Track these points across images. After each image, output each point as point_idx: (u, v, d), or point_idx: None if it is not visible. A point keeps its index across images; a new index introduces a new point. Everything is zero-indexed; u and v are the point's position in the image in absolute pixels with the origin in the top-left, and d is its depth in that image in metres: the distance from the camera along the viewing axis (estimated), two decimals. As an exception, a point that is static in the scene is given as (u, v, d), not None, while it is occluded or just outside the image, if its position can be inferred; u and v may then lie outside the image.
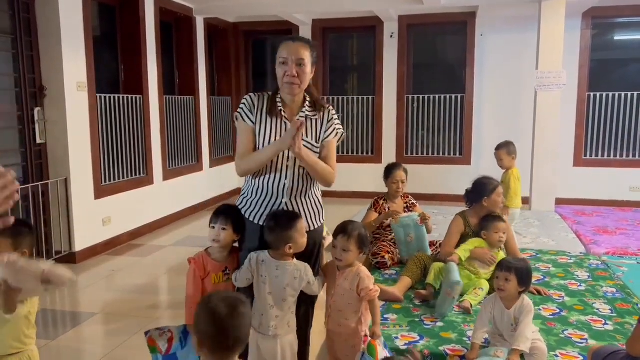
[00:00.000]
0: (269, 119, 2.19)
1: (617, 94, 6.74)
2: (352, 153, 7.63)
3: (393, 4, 6.24)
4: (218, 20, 7.09)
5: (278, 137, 2.16)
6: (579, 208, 6.10)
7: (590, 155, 6.90)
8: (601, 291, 3.17)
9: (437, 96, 7.26)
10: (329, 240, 3.50)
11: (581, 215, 5.62)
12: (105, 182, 5.02)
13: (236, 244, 2.35)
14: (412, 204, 4.00)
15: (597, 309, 2.89)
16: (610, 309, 2.88)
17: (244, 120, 2.21)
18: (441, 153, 7.34)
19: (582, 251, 4.21)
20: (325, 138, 2.24)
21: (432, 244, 3.81)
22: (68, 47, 4.43)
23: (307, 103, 2.22)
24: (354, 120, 7.62)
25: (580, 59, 6.70)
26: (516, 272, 2.28)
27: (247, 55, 7.88)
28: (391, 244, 3.94)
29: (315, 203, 2.30)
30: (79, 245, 4.63)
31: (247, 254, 2.22)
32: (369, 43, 7.53)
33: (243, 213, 2.28)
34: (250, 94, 2.25)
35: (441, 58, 7.74)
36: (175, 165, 6.27)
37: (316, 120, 2.23)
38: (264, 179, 2.21)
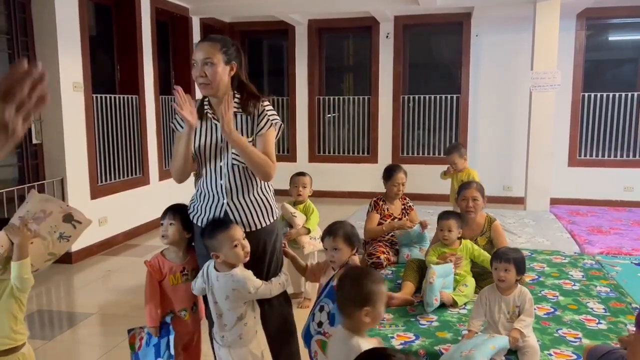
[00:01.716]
0: (199, 123, 2.16)
1: (611, 94, 6.79)
2: (348, 153, 7.65)
3: (389, 4, 6.26)
4: (214, 20, 7.09)
5: (209, 140, 2.15)
6: (573, 208, 6.13)
7: (585, 155, 6.95)
8: (595, 290, 3.19)
9: (432, 96, 7.29)
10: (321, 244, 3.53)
11: (576, 215, 5.65)
12: (101, 182, 5.02)
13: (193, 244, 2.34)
14: (410, 206, 4.02)
15: (591, 308, 2.91)
16: (604, 308, 2.91)
17: (176, 129, 2.22)
18: (437, 153, 7.36)
19: (576, 251, 4.23)
20: (259, 131, 2.15)
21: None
22: (64, 47, 4.43)
23: (236, 100, 2.17)
24: (349, 121, 7.64)
25: (574, 59, 6.74)
26: (515, 262, 2.36)
27: (243, 55, 7.87)
28: (387, 244, 3.95)
29: (261, 201, 2.22)
30: (75, 245, 4.61)
31: (201, 260, 2.22)
32: (364, 43, 7.54)
33: (192, 219, 2.26)
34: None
35: (437, 58, 7.77)
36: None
37: (246, 115, 2.17)
38: (203, 182, 2.21)
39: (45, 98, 0.84)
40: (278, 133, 2.22)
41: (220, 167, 2.15)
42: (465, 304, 2.95)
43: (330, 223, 2.32)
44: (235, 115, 2.15)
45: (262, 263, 2.22)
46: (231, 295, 2.09)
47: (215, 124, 2.17)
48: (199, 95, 7.09)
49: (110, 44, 5.46)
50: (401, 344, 2.49)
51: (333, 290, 2.16)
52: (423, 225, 3.69)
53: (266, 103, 2.20)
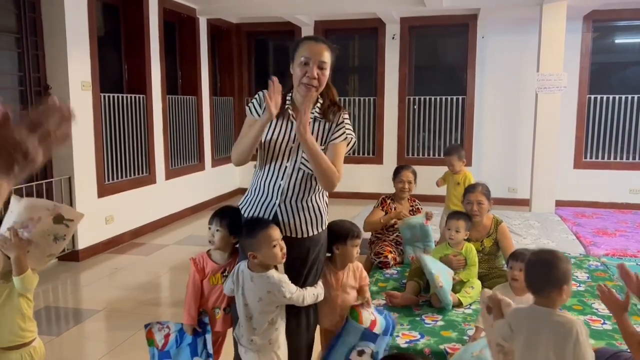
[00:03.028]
0: (275, 118, 2.07)
1: (617, 96, 6.78)
2: (353, 154, 7.60)
3: (395, 5, 6.27)
4: (221, 20, 7.12)
5: (282, 138, 2.10)
6: (578, 210, 6.12)
7: (591, 158, 6.94)
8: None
9: (438, 98, 7.30)
10: None
11: (581, 217, 5.65)
12: (108, 180, 5.06)
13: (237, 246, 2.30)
14: (418, 208, 4.02)
15: (596, 309, 2.92)
16: (609, 309, 2.91)
17: (251, 113, 2.14)
18: (442, 154, 7.36)
19: (581, 252, 4.24)
20: (332, 140, 2.10)
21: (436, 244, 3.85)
22: (73, 46, 4.46)
23: (318, 105, 2.13)
24: (355, 122, 7.65)
25: (581, 61, 6.74)
26: None
27: (250, 55, 7.92)
28: (393, 243, 3.96)
29: (313, 209, 2.14)
30: (82, 243, 4.66)
31: (242, 259, 2.15)
32: (370, 44, 7.56)
33: (243, 213, 2.19)
34: (264, 90, 2.12)
35: (442, 60, 7.78)
36: (178, 165, 6.30)
37: (325, 122, 2.12)
38: (262, 177, 2.14)
39: (69, 135, 0.89)
40: (350, 149, 2.16)
41: (286, 167, 2.09)
42: (470, 304, 2.96)
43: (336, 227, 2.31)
44: (314, 120, 2.10)
45: (302, 270, 2.13)
46: (265, 298, 2.03)
47: (292, 122, 2.10)
48: (205, 94, 7.07)
49: (118, 43, 5.50)
50: (406, 342, 2.50)
51: (369, 332, 2.20)
52: (428, 215, 3.68)
53: (346, 115, 2.16)
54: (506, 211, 5.64)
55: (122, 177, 5.28)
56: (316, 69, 2.03)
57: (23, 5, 4.23)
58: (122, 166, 5.29)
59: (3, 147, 0.79)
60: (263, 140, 2.12)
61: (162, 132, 5.85)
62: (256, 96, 2.18)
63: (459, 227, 3.08)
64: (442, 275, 2.87)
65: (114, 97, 5.14)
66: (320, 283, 2.21)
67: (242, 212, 2.20)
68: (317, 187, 2.14)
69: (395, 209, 3.94)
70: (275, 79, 2.00)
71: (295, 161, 2.09)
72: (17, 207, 2.03)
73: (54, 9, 4.37)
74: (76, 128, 4.52)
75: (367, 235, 3.95)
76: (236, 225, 2.22)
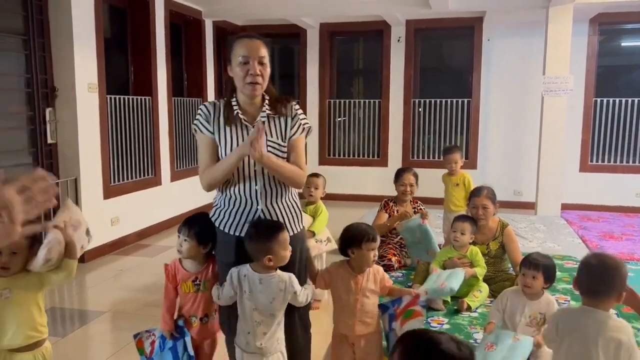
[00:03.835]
0: (227, 127, 2.06)
1: (623, 99, 6.75)
2: (358, 156, 7.66)
3: (400, 8, 6.27)
4: (227, 23, 7.14)
5: (241, 144, 2.04)
6: (584, 213, 6.10)
7: (597, 161, 6.91)
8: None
9: (443, 100, 7.29)
10: (329, 246, 3.52)
11: (587, 221, 5.63)
12: (114, 182, 5.07)
13: (213, 253, 2.26)
14: (421, 209, 4.02)
15: (603, 313, 2.90)
16: (616, 313, 2.90)
17: (201, 131, 2.09)
18: (442, 154, 7.34)
19: (587, 256, 4.22)
20: (292, 136, 2.10)
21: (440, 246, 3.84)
22: (80, 48, 4.48)
23: (267, 102, 2.09)
24: (360, 124, 7.65)
25: (587, 64, 6.71)
26: (543, 270, 2.34)
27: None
28: (397, 246, 3.96)
29: (292, 207, 2.17)
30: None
31: (224, 269, 2.11)
32: (375, 47, 7.56)
33: (217, 225, 2.16)
34: (205, 104, 2.13)
35: (448, 62, 7.77)
36: (183, 167, 6.31)
37: (279, 118, 2.10)
38: (235, 188, 2.09)
39: (51, 202, 0.95)
40: (307, 135, 2.17)
41: (255, 171, 2.06)
42: (476, 308, 2.95)
43: (353, 229, 2.27)
44: (268, 118, 2.08)
45: (293, 271, 2.13)
46: (278, 297, 2.04)
47: (246, 126, 2.07)
48: (210, 97, 7.10)
49: (125, 45, 5.52)
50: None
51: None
52: (424, 215, 3.67)
53: (297, 107, 2.16)
54: (512, 214, 5.63)
55: (127, 178, 5.30)
56: (257, 65, 1.99)
57: (30, 7, 4.25)
58: (128, 168, 5.31)
59: None
60: (224, 155, 2.07)
61: (167, 134, 5.87)
62: (199, 112, 2.12)
63: (464, 230, 3.08)
64: (449, 281, 2.85)
65: (120, 99, 5.16)
66: (310, 282, 2.23)
67: (217, 224, 2.16)
68: (288, 185, 2.15)
69: (397, 212, 3.94)
70: (262, 126, 1.93)
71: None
72: (72, 209, 2.15)
73: (61, 11, 4.39)
74: (82, 129, 4.55)
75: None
76: (205, 235, 2.18)
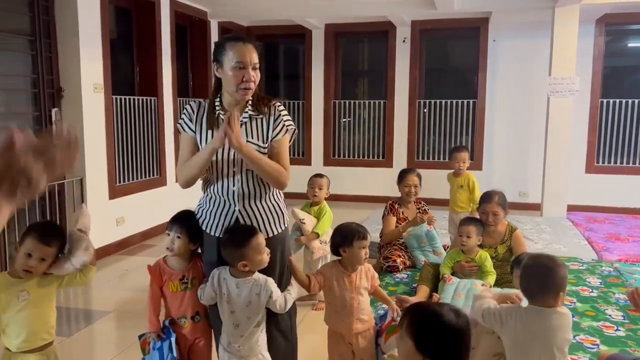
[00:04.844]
0: (210, 128, 2.05)
1: (630, 100, 6.71)
2: (363, 157, 7.65)
3: (406, 9, 6.26)
4: (232, 24, 7.15)
5: (223, 146, 2.00)
6: (590, 215, 6.07)
7: (603, 162, 6.87)
8: (613, 298, 3.16)
9: (448, 101, 7.27)
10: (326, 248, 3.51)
11: (593, 222, 5.60)
12: (119, 182, 5.08)
13: (199, 250, 2.25)
14: (424, 210, 4.01)
15: (609, 315, 2.89)
16: (622, 315, 2.88)
17: (184, 130, 2.10)
18: (448, 154, 7.33)
19: (594, 258, 4.20)
20: (274, 137, 2.06)
21: (443, 248, 3.83)
22: (86, 49, 4.50)
23: (249, 103, 2.07)
24: (365, 125, 7.64)
25: (593, 65, 6.68)
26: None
27: (260, 58, 7.91)
28: (402, 247, 3.96)
29: (273, 208, 2.14)
30: (93, 244, 4.67)
31: (209, 268, 2.13)
32: (381, 47, 7.55)
33: (200, 224, 2.16)
34: (191, 103, 2.14)
35: (453, 63, 7.75)
36: (188, 167, 6.32)
37: (261, 119, 2.07)
38: (214, 187, 2.09)
39: (73, 163, 0.92)
40: (292, 138, 2.13)
41: (234, 172, 2.05)
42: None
43: (350, 228, 2.28)
44: (250, 119, 2.06)
45: (274, 273, 2.12)
46: (254, 301, 2.04)
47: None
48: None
49: (130, 46, 5.53)
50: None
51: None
52: (430, 221, 3.67)
53: (281, 107, 2.11)
54: (517, 215, 5.61)
55: (133, 179, 5.31)
56: (252, 71, 1.99)
57: (37, 8, 4.28)
58: (133, 168, 5.32)
59: (8, 172, 0.81)
60: None
61: (173, 134, 5.88)
62: (184, 111, 2.13)
63: (470, 233, 3.07)
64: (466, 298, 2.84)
65: (125, 99, 5.17)
66: (293, 284, 2.21)
67: (202, 225, 2.15)
68: (269, 186, 2.12)
69: (403, 214, 3.93)
70: (235, 113, 1.93)
71: (242, 165, 2.04)
72: (88, 216, 2.22)
73: (67, 12, 4.41)
74: (88, 130, 4.56)
75: (376, 239, 3.95)
76: (196, 231, 2.17)
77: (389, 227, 3.91)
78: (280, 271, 2.16)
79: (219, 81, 2.08)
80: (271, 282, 2.07)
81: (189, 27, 6.51)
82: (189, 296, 2.21)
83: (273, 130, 2.06)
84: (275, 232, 2.14)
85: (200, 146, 2.07)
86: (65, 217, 4.52)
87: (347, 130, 7.73)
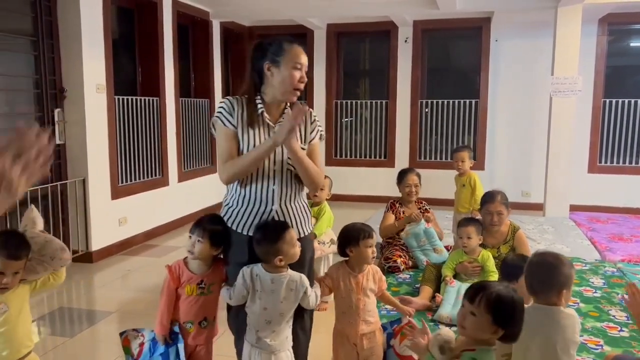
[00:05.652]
0: (250, 125, 2.06)
1: (632, 100, 6.70)
2: (365, 157, 7.65)
3: (408, 8, 6.26)
4: (234, 24, 7.15)
5: (277, 130, 2.01)
6: (593, 215, 6.06)
7: (605, 162, 6.86)
8: (617, 298, 3.15)
9: (450, 101, 7.26)
10: (333, 248, 3.51)
11: (596, 222, 5.59)
12: (121, 183, 5.09)
13: (220, 256, 2.21)
14: (426, 209, 4.01)
15: (613, 316, 2.88)
16: (626, 316, 2.87)
17: (224, 124, 2.06)
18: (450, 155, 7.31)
19: (597, 258, 4.19)
20: (311, 140, 2.14)
21: (446, 248, 3.83)
22: (88, 49, 4.50)
23: (287, 105, 2.11)
24: (366, 125, 7.64)
25: (596, 65, 6.66)
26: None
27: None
28: (403, 248, 3.95)
29: (303, 209, 2.17)
30: (96, 244, 4.69)
31: (236, 269, 2.08)
32: (382, 47, 7.54)
33: (229, 225, 2.13)
34: (228, 97, 2.11)
35: (455, 63, 7.74)
36: (190, 167, 6.33)
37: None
38: (250, 187, 2.07)
39: (47, 164, 0.90)
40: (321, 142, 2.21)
41: (274, 170, 2.05)
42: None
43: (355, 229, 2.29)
44: None
45: (303, 272, 2.13)
46: (289, 297, 2.06)
47: (268, 125, 2.07)
48: (217, 97, 7.11)
49: (133, 46, 5.54)
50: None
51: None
52: (427, 219, 3.66)
53: (314, 113, 2.19)
54: (520, 215, 5.60)
55: (135, 179, 5.31)
56: (304, 73, 2.06)
57: (39, 8, 4.28)
58: (136, 168, 5.33)
59: None
60: (245, 151, 2.06)
61: (175, 134, 5.88)
62: (222, 105, 2.10)
63: (470, 234, 3.06)
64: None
65: (128, 99, 5.18)
66: (317, 284, 2.22)
67: (232, 225, 2.13)
68: (302, 187, 2.15)
69: (403, 213, 3.93)
70: (306, 108, 2.00)
71: (282, 164, 2.06)
72: (38, 213, 2.20)
73: (69, 12, 4.41)
74: (90, 130, 4.57)
75: (378, 239, 3.94)
76: (219, 236, 2.14)
77: (385, 222, 3.91)
78: (309, 271, 2.18)
79: (260, 79, 2.08)
80: (305, 279, 2.09)
81: (191, 27, 6.52)
82: (203, 301, 2.16)
83: (310, 133, 2.13)
84: (306, 232, 2.17)
85: (241, 141, 2.05)
86: (67, 217, 4.53)
87: (349, 130, 7.72)
